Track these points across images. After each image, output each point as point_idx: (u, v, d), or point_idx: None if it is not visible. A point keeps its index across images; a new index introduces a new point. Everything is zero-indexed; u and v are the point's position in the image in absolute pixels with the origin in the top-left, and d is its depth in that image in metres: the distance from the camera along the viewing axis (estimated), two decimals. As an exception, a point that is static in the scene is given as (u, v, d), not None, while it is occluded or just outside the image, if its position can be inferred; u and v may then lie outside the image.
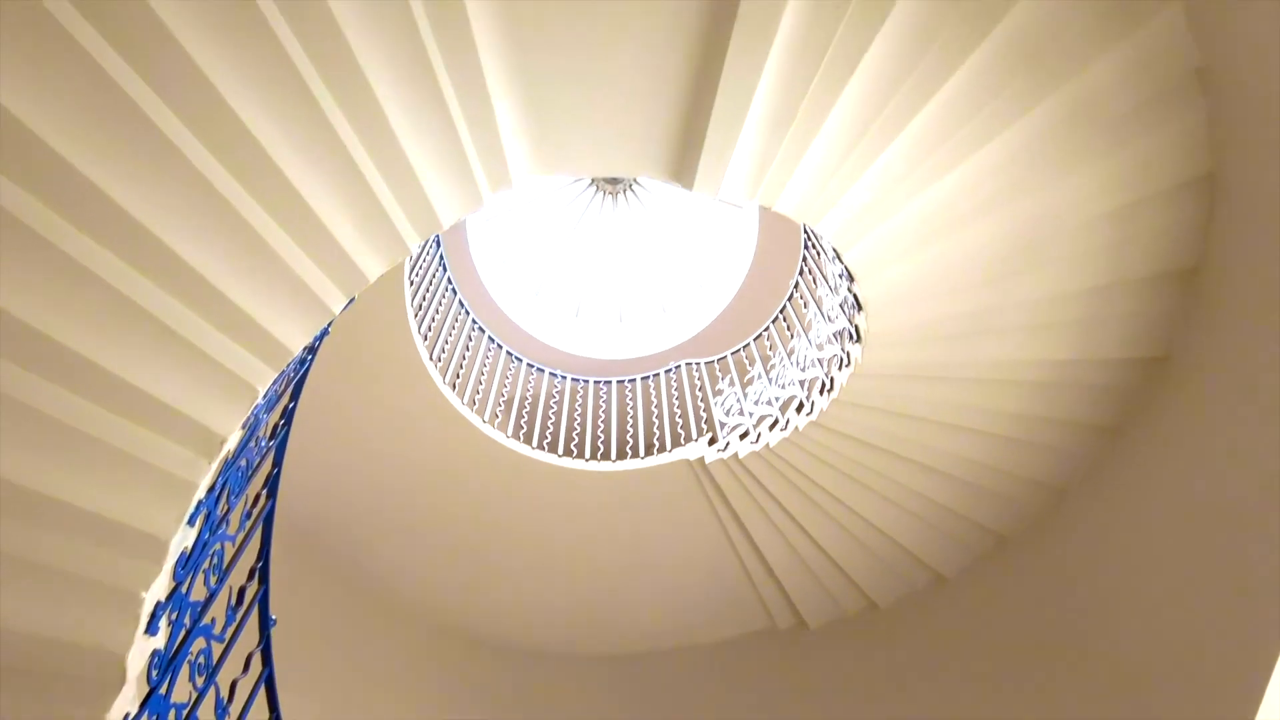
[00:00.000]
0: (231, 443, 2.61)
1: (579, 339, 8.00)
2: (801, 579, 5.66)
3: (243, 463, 2.89)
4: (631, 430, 6.11)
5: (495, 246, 8.23)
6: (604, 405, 6.57)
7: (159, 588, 2.43)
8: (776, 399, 5.37)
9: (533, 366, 6.77)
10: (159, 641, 2.44)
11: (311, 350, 3.46)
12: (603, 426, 6.31)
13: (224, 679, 2.98)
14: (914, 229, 3.58)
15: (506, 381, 6.41)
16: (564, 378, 6.79)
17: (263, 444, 3.12)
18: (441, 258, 6.56)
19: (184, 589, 2.58)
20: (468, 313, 6.54)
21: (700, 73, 2.69)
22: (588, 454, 5.90)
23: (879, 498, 5.04)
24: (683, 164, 2.93)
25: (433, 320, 5.90)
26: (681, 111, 2.81)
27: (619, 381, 6.78)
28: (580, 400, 6.64)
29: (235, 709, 2.86)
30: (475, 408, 5.80)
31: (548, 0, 2.45)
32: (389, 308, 5.44)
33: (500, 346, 6.70)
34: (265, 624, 3.26)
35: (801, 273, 5.79)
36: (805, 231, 5.42)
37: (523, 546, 5.94)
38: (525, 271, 8.59)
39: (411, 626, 6.10)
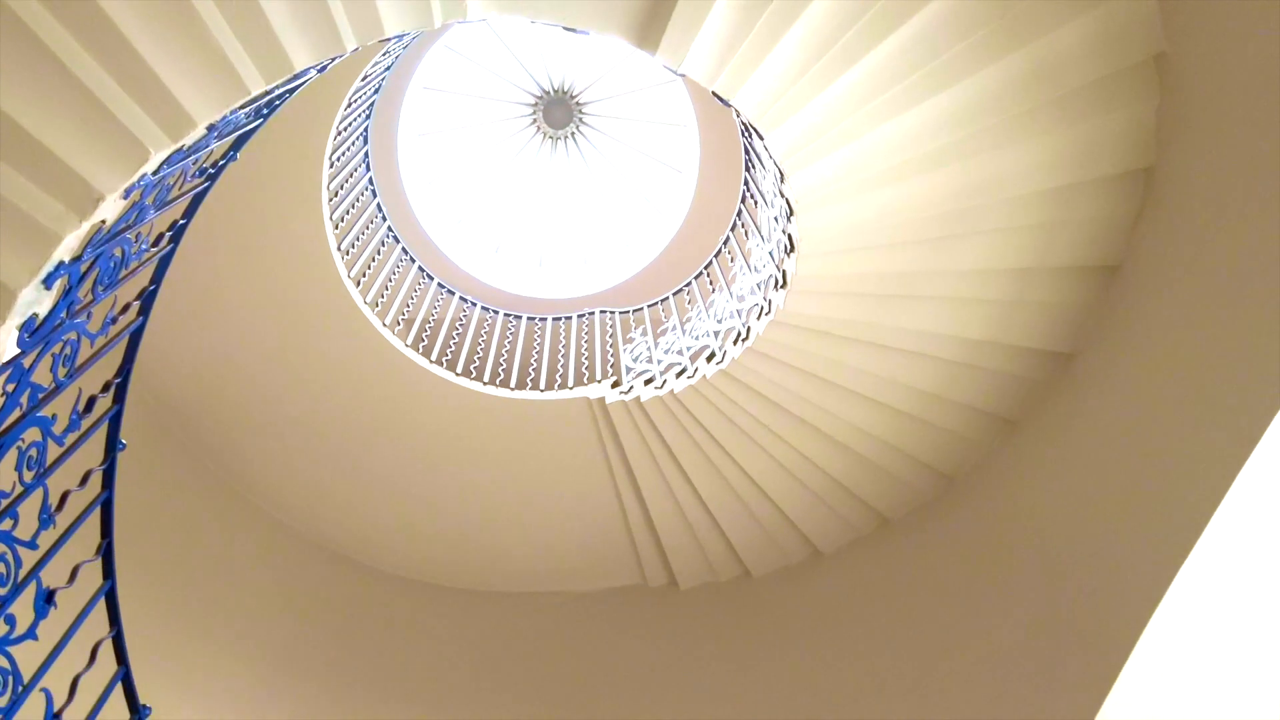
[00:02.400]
0: (109, 213, 2.34)
1: (499, 274, 7.80)
2: (681, 537, 5.57)
3: (118, 252, 2.61)
4: (535, 366, 5.93)
5: (427, 170, 7.96)
6: (510, 338, 6.37)
7: (-6, 347, 2.16)
8: (688, 349, 5.29)
9: (443, 287, 6.53)
10: (-16, 410, 2.16)
11: (213, 173, 3.18)
12: (505, 358, 6.11)
13: (56, 488, 2.69)
14: (861, 167, 3.54)
15: (414, 296, 6.14)
16: (474, 304, 6.57)
17: (144, 245, 2.84)
18: (366, 156, 6.27)
19: (26, 362, 2.30)
20: (384, 218, 6.27)
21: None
22: (486, 378, 5.69)
23: (771, 460, 4.99)
24: (649, 27, 2.81)
25: (346, 213, 5.62)
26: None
27: (530, 318, 6.60)
28: (487, 329, 6.43)
29: (63, 521, 2.58)
30: (377, 310, 5.53)
31: None
32: (302, 185, 5.15)
33: (413, 260, 6.44)
34: (113, 444, 2.98)
35: (734, 228, 5.74)
36: (746, 169, 5.36)
37: (402, 464, 5.69)
38: (455, 201, 8.35)
39: (269, 529, 5.74)
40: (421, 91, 7.77)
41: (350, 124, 5.68)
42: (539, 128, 8.55)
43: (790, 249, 4.06)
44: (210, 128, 2.45)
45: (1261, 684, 3.18)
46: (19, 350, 2.26)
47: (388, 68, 6.04)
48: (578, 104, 8.40)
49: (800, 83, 3.11)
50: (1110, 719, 3.17)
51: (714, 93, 3.11)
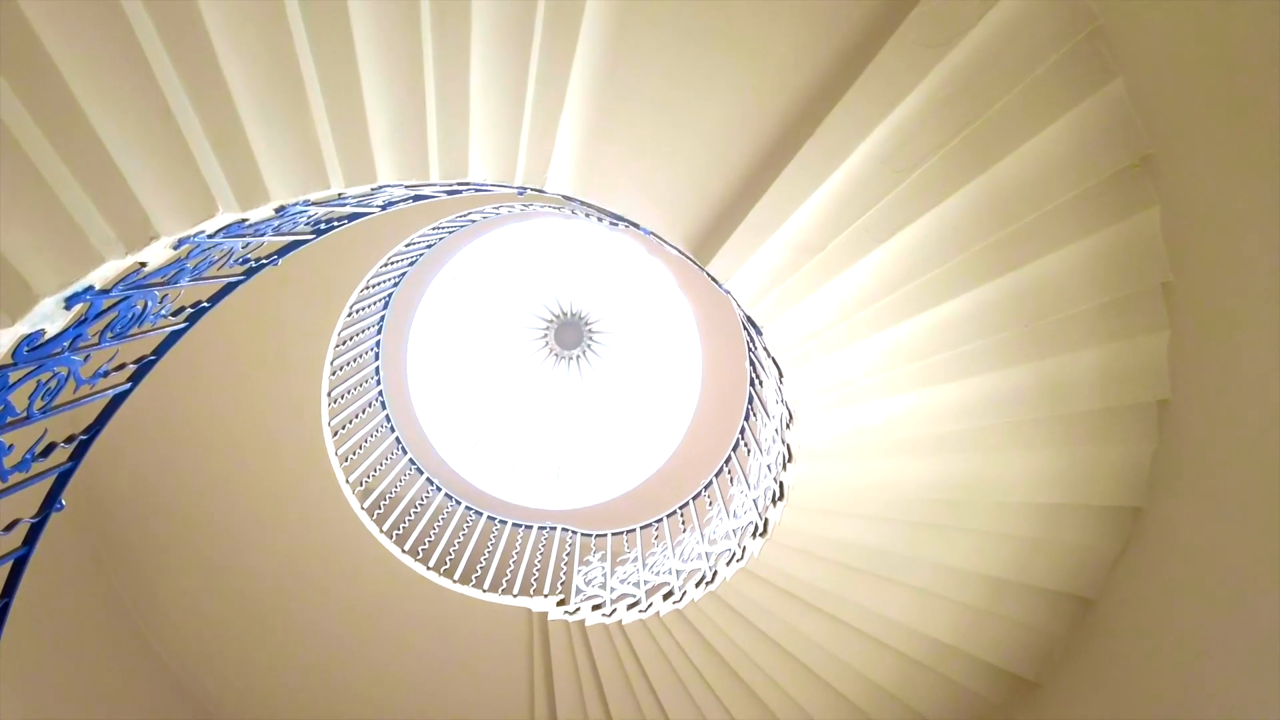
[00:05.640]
0: (152, 259, 2.35)
1: (475, 470, 7.68)
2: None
3: (140, 305, 2.58)
4: (483, 566, 5.70)
5: (427, 358, 8.10)
6: (465, 531, 6.16)
7: (-11, 346, 2.07)
8: (646, 583, 5.11)
9: (415, 465, 6.42)
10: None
11: (254, 268, 3.22)
12: (455, 551, 5.88)
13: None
14: (869, 433, 3.62)
15: (382, 465, 6.01)
16: (438, 488, 6.42)
17: (165, 311, 2.81)
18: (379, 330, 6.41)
19: (12, 377, 2.20)
20: (379, 385, 6.30)
21: (763, 165, 2.79)
22: (432, 563, 5.45)
23: (697, 715, 4.68)
24: (706, 244, 2.96)
25: (344, 381, 5.67)
26: (729, 197, 2.89)
27: (490, 517, 6.42)
28: (445, 516, 6.23)
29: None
30: (345, 465, 5.40)
31: (659, 27, 2.57)
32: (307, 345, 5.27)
33: (393, 430, 6.38)
34: (53, 501, 2.77)
35: (719, 473, 5.74)
36: (746, 417, 5.42)
37: (313, 624, 5.32)
38: (448, 396, 8.45)
39: (146, 680, 5.22)
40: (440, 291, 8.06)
41: (370, 293, 5.88)
42: (549, 345, 8.81)
43: (778, 497, 4.04)
44: (279, 209, 2.51)
45: None
46: (11, 361, 2.17)
47: (412, 261, 6.35)
48: (589, 329, 8.72)
49: (833, 332, 3.24)
50: None
51: (748, 316, 3.23)
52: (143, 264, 2.35)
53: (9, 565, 2.63)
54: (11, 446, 2.35)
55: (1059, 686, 3.91)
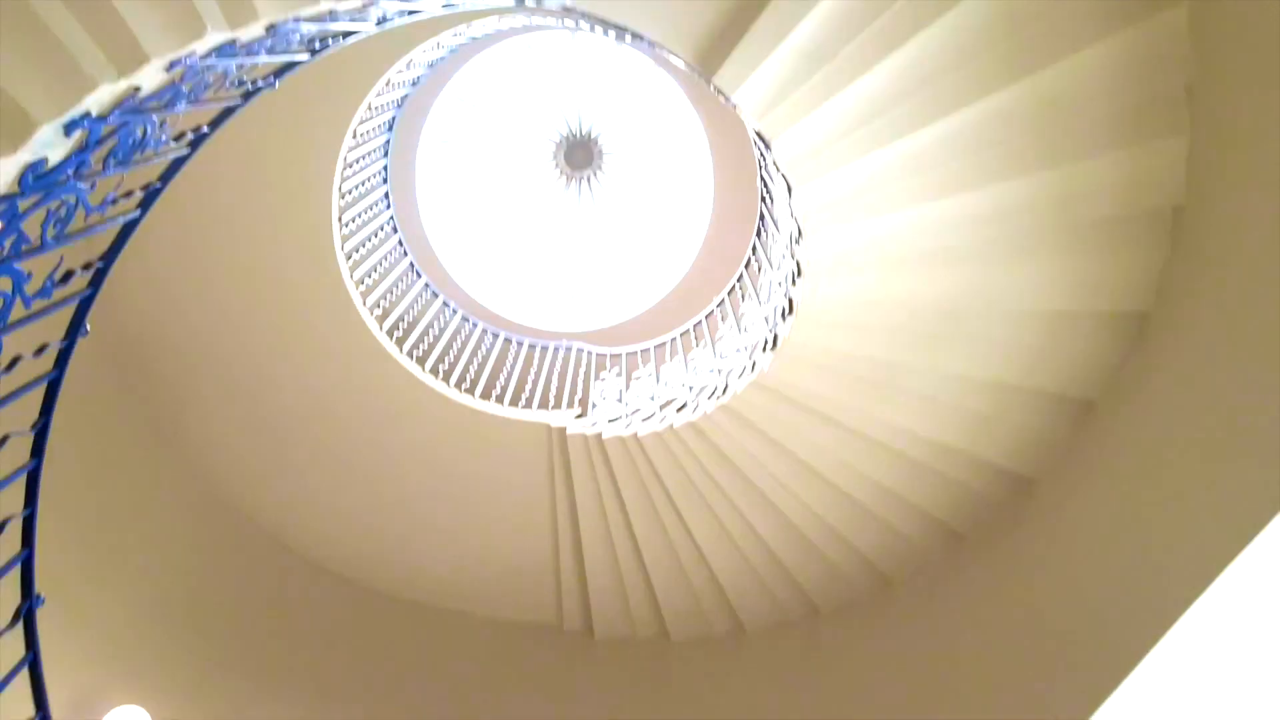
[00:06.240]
0: (147, 82, 2.31)
1: (489, 293, 7.78)
2: (607, 585, 5.45)
3: (140, 131, 2.56)
4: (503, 386, 5.86)
5: (439, 172, 8.01)
6: (484, 351, 6.30)
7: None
8: (660, 396, 5.27)
9: (430, 288, 6.48)
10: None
11: (250, 91, 3.15)
12: (475, 370, 6.04)
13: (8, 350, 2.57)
14: (880, 245, 3.62)
15: (398, 288, 6.07)
16: (454, 310, 6.52)
17: (166, 137, 2.79)
18: (387, 144, 6.29)
19: (21, 206, 2.22)
20: (389, 205, 6.27)
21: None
22: (453, 382, 5.62)
23: (717, 524, 4.94)
24: (712, 53, 2.87)
25: (353, 196, 5.63)
26: (736, 2, 2.77)
27: (508, 338, 6.55)
28: (462, 338, 6.36)
29: (4, 386, 2.47)
30: (361, 289, 5.47)
31: None
32: (314, 167, 5.19)
33: (406, 254, 6.41)
34: (77, 327, 2.87)
35: (731, 291, 5.79)
36: (757, 234, 5.43)
37: (340, 445, 5.55)
38: (462, 215, 8.41)
39: (183, 494, 5.50)
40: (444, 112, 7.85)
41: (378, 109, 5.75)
42: (559, 166, 8.67)
43: (789, 312, 4.09)
44: (270, 28, 2.44)
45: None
46: (18, 189, 2.19)
47: (414, 82, 6.15)
48: (600, 149, 8.55)
49: (842, 144, 3.18)
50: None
51: (757, 131, 3.17)
52: (137, 88, 2.31)
53: (43, 389, 2.75)
54: (30, 274, 2.40)
55: (1056, 485, 4.07)
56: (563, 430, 5.33)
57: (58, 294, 2.60)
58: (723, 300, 5.79)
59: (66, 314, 2.85)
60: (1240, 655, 3.02)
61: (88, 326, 2.87)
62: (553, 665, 5.61)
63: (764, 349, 4.40)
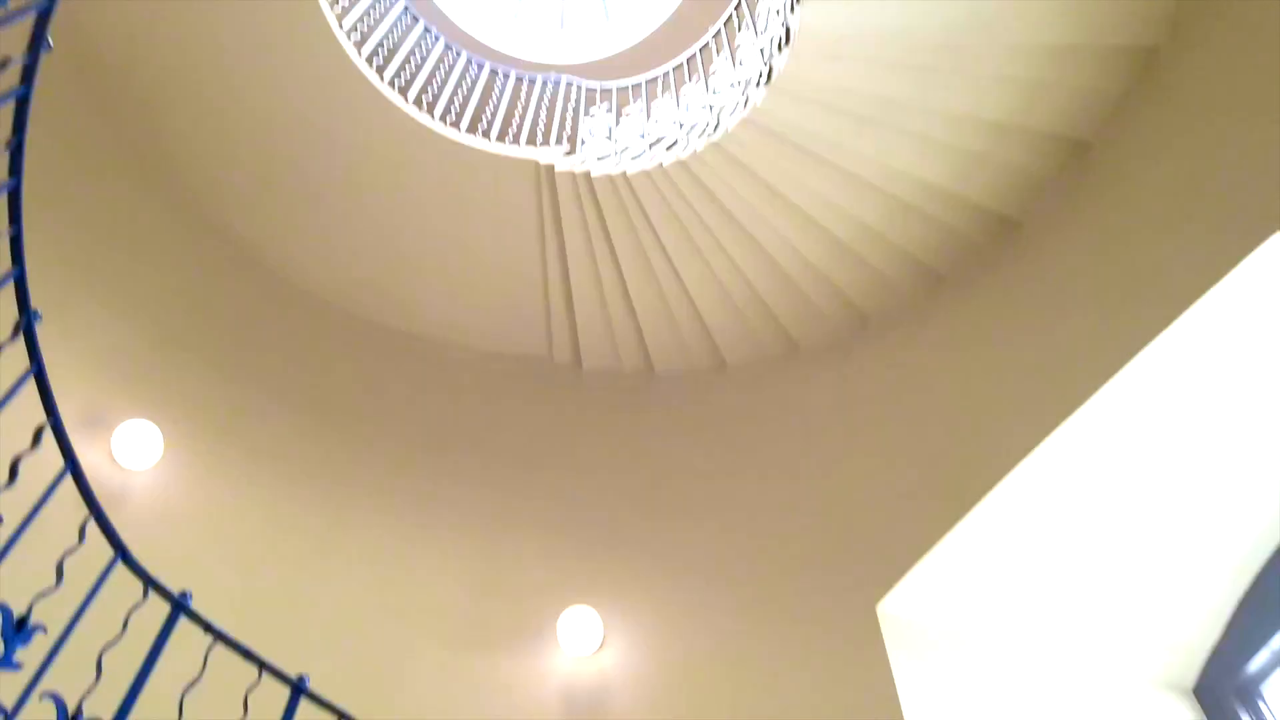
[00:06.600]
0: None
1: (472, 20, 7.35)
2: (594, 318, 5.59)
3: None
4: (489, 119, 5.70)
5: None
6: (467, 85, 6.07)
7: None
8: (649, 134, 5.16)
9: (409, 10, 6.13)
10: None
11: None
12: (460, 103, 5.84)
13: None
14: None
15: (375, 10, 5.72)
16: (436, 37, 6.21)
17: None
18: None
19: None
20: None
21: None
22: (437, 114, 5.46)
23: (702, 262, 5.01)
24: None
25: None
26: None
27: (493, 69, 6.29)
28: (446, 67, 6.10)
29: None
30: (336, 9, 5.16)
31: None
32: None
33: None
34: (39, 41, 2.73)
35: (728, 21, 5.51)
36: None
37: (333, 180, 5.47)
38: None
39: (172, 221, 5.46)
40: None
41: None
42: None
43: (785, 42, 3.93)
44: None
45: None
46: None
47: None
48: None
49: None
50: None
51: None
52: None
53: (12, 105, 2.65)
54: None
55: (1042, 226, 4.12)
56: (551, 168, 5.26)
57: (14, 2, 2.47)
58: (719, 31, 5.51)
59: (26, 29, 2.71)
60: (1210, 378, 3.21)
61: (50, 41, 2.74)
62: (543, 393, 5.89)
63: (758, 84, 4.27)
